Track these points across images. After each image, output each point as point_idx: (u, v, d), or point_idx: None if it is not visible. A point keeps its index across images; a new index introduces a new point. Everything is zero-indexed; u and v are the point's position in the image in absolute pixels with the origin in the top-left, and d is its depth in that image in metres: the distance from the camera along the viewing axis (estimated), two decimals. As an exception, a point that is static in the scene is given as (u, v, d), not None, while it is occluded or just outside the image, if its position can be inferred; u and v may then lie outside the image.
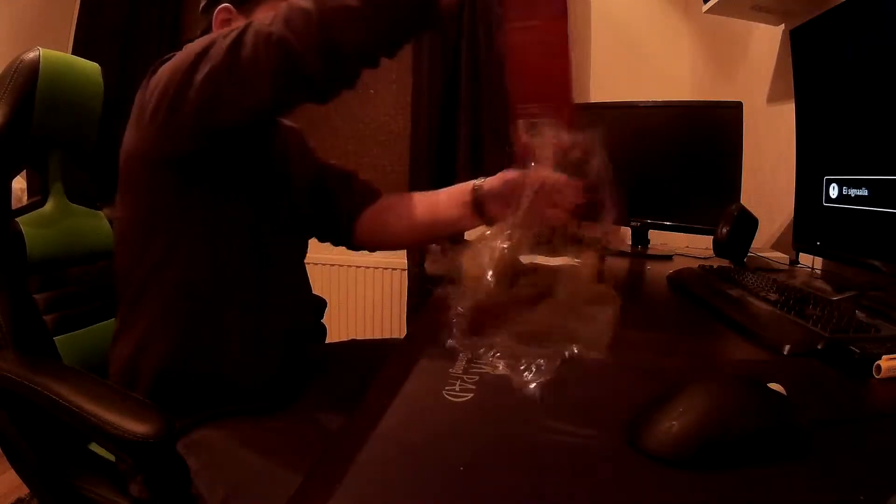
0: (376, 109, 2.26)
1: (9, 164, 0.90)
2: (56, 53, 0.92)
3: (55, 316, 0.94)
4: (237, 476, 0.68)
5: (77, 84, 0.96)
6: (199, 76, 0.67)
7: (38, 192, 0.99)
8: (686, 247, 1.53)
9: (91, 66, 0.99)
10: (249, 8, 0.84)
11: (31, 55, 0.89)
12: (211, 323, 0.78)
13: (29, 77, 0.88)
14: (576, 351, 0.56)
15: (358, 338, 1.14)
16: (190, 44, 0.73)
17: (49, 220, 0.97)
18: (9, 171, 0.91)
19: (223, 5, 0.84)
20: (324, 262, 2.15)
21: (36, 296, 0.93)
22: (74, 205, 1.02)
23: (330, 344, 1.15)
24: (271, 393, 0.82)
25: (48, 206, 0.98)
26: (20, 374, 0.76)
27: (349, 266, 2.15)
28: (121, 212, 0.81)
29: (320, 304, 1.22)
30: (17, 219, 0.93)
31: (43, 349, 0.91)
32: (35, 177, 1.01)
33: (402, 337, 1.11)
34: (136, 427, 0.63)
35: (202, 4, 0.88)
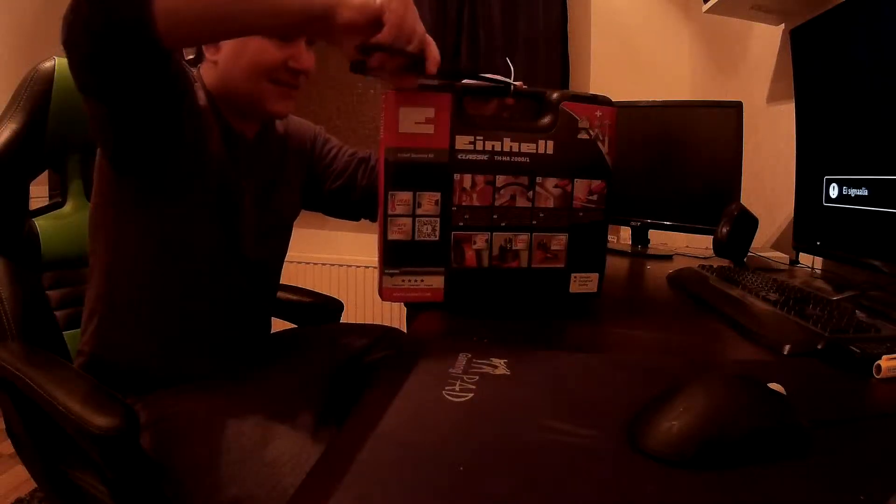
0: (376, 109, 2.26)
1: (25, 167, 0.95)
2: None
3: (67, 311, 0.99)
4: (197, 442, 0.72)
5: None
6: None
7: (59, 194, 1.05)
8: (686, 247, 1.53)
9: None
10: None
11: (47, 64, 0.93)
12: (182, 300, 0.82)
13: (44, 85, 0.92)
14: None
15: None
16: None
17: (66, 220, 1.02)
18: (26, 175, 0.95)
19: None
20: (324, 261, 2.13)
21: (49, 292, 0.98)
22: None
23: (303, 328, 1.18)
24: (237, 367, 0.87)
25: (67, 206, 1.04)
26: (14, 364, 0.78)
27: (349, 266, 2.14)
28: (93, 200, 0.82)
29: (336, 307, 1.23)
30: (37, 218, 0.99)
31: (50, 342, 0.95)
32: (56, 178, 1.05)
33: (382, 325, 1.12)
34: (97, 420, 0.64)
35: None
